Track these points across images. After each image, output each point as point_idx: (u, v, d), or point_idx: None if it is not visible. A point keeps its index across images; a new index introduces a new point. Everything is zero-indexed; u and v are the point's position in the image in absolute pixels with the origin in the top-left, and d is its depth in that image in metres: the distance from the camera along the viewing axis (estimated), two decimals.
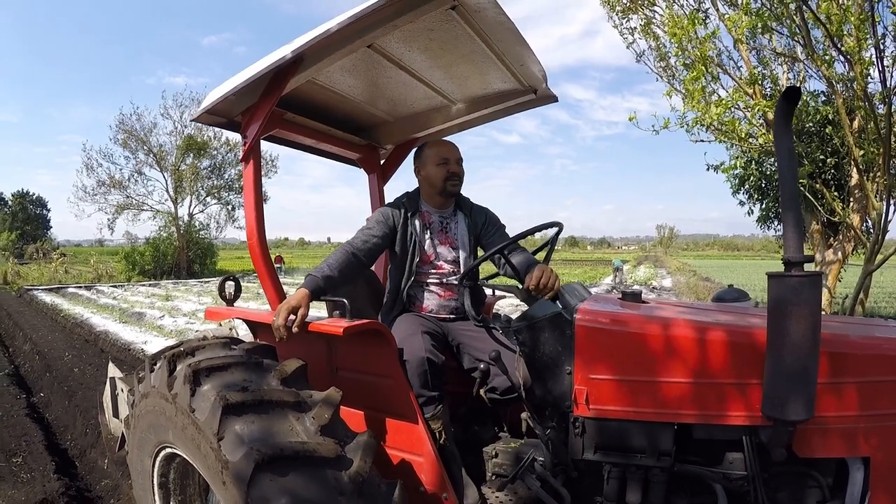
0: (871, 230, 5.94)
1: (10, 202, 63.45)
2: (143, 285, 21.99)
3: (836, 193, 7.15)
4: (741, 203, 9.81)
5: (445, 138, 2.95)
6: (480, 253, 2.61)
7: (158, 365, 1.88)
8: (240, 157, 2.34)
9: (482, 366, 2.18)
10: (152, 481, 2.14)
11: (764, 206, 9.29)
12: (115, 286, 20.97)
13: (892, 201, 4.91)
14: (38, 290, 18.45)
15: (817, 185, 6.92)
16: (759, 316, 1.79)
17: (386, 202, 2.97)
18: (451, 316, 2.52)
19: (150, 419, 1.94)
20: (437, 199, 2.58)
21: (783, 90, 1.47)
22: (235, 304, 2.47)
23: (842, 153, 6.53)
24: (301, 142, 2.99)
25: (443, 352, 2.30)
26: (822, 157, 7.04)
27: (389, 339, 2.03)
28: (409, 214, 2.49)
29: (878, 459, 1.54)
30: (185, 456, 1.79)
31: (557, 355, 1.86)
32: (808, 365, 1.42)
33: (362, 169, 3.35)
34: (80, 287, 20.18)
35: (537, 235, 2.64)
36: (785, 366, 1.44)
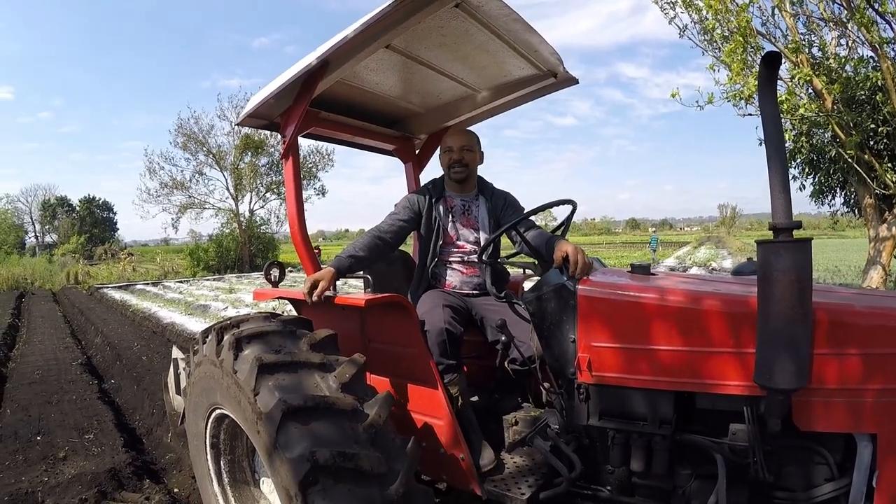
0: None
1: (77, 208, 66.81)
2: (208, 280, 22.89)
3: (889, 165, 6.81)
4: (793, 178, 9.46)
5: (470, 127, 3.09)
6: None
7: (209, 337, 2.14)
8: (280, 156, 2.56)
9: (503, 338, 2.30)
10: (205, 443, 2.38)
11: (815, 180, 8.93)
12: (180, 282, 21.96)
13: None
14: (107, 287, 19.47)
15: (867, 157, 6.61)
16: None
17: None
18: (475, 292, 2.69)
19: (202, 384, 2.19)
20: (456, 185, 2.75)
21: (764, 55, 1.44)
22: (280, 286, 2.71)
23: (893, 121, 6.22)
24: (338, 137, 3.20)
25: (466, 325, 2.45)
26: (872, 126, 6.70)
27: (411, 312, 2.21)
28: (433, 200, 2.68)
29: (885, 436, 1.47)
30: (230, 413, 2.04)
31: (562, 324, 1.96)
32: (797, 332, 1.40)
33: (399, 159, 3.53)
34: (148, 283, 21.19)
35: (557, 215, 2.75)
36: (773, 333, 1.42)
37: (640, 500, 1.89)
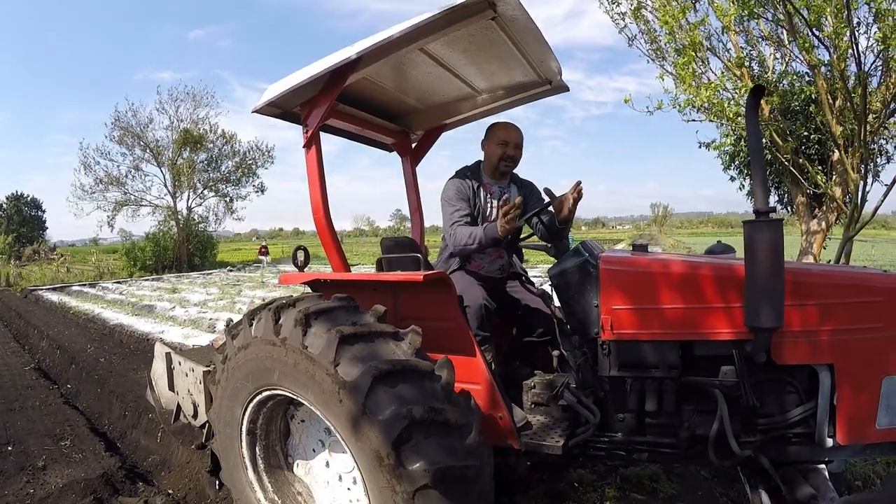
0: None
1: (4, 205, 62.07)
2: (147, 280, 21.87)
3: (819, 167, 7.55)
4: (732, 178, 10.45)
5: (507, 122, 3.21)
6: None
7: (258, 318, 2.21)
8: (302, 145, 2.59)
9: (519, 312, 2.62)
10: (240, 429, 2.41)
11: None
12: (118, 282, 20.87)
13: (868, 173, 5.34)
14: (42, 289, 18.30)
15: (800, 160, 7.34)
16: (741, 261, 2.18)
17: (417, 183, 3.49)
18: (499, 272, 2.95)
19: (249, 368, 2.24)
20: (494, 174, 2.97)
21: (751, 87, 1.92)
22: (305, 270, 2.79)
23: (824, 130, 6.94)
24: (347, 129, 3.30)
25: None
26: (805, 133, 7.46)
27: (453, 288, 2.40)
28: (476, 187, 2.90)
29: (839, 365, 1.96)
30: (287, 392, 2.13)
31: (586, 292, 2.30)
32: (775, 285, 1.83)
33: (397, 153, 3.69)
34: (84, 285, 20.09)
35: None
36: (758, 287, 1.84)
37: (651, 438, 2.26)
